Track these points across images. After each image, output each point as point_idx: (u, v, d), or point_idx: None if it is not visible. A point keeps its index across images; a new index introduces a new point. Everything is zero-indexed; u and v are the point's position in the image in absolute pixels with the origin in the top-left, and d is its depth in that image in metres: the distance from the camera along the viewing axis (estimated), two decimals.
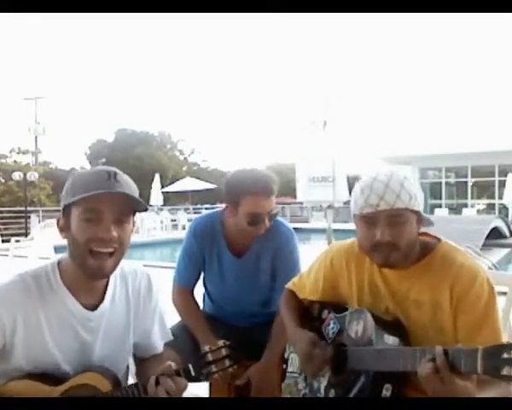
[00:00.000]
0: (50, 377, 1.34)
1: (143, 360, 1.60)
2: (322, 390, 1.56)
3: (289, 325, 1.67)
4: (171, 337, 1.66)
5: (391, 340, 1.38)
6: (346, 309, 1.58)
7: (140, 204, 1.36)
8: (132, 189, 1.35)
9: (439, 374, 1.15)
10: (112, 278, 1.46)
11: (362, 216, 1.42)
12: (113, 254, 1.33)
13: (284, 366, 1.76)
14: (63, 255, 1.42)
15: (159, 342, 1.61)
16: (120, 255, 1.35)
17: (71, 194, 1.31)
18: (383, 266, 1.47)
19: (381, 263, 1.45)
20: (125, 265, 1.50)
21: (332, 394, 1.52)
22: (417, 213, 1.42)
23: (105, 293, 1.44)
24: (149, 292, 1.56)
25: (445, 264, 1.43)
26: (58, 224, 1.36)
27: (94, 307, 1.42)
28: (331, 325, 1.58)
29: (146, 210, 1.39)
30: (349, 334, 1.49)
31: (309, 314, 1.72)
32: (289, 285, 1.82)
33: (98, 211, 1.29)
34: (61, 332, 1.36)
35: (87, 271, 1.32)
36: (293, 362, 1.72)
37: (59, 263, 1.41)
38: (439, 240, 1.50)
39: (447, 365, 1.15)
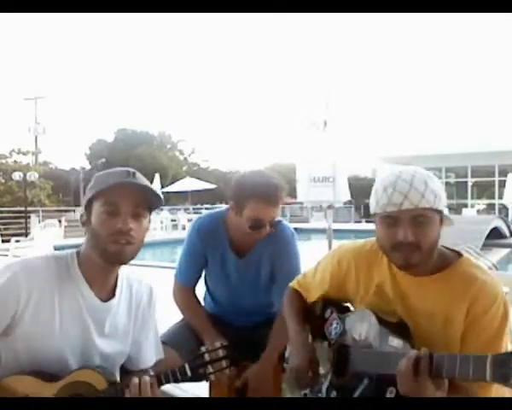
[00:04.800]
0: (47, 374, 1.36)
1: (131, 373, 1.57)
2: (323, 391, 1.54)
3: (291, 328, 1.65)
4: (163, 356, 1.67)
5: (395, 342, 1.36)
6: (350, 310, 1.57)
7: (157, 198, 1.45)
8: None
9: (420, 377, 1.16)
10: (120, 278, 1.53)
11: (384, 215, 1.36)
12: (131, 244, 1.40)
13: (285, 364, 1.75)
14: (81, 247, 1.49)
15: (150, 358, 1.63)
16: (137, 247, 1.44)
17: (93, 189, 1.41)
18: (403, 268, 1.41)
19: (401, 264, 1.39)
20: (131, 273, 1.59)
21: (334, 395, 1.50)
22: (441, 212, 1.36)
23: (114, 290, 1.51)
24: (149, 305, 1.62)
25: (466, 280, 1.37)
26: (81, 219, 1.47)
27: (104, 301, 1.48)
28: (334, 325, 1.56)
29: (161, 206, 1.46)
30: (352, 335, 1.47)
31: (312, 313, 1.70)
32: (293, 284, 1.80)
33: (116, 204, 1.38)
34: (69, 317, 1.41)
35: (107, 256, 1.40)
36: None
37: (78, 253, 1.48)
38: (459, 255, 1.45)
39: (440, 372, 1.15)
